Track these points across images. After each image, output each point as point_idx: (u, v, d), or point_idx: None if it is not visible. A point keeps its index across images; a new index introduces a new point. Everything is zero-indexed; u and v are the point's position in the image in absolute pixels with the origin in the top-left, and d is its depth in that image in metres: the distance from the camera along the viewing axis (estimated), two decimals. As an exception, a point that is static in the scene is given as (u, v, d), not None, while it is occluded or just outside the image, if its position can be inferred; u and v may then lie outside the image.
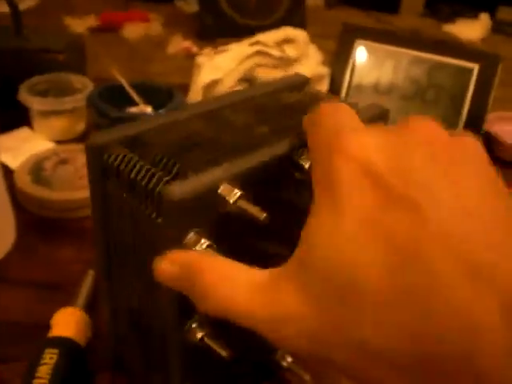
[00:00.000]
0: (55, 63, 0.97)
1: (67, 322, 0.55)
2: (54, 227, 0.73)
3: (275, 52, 0.89)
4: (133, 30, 2.51)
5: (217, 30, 2.50)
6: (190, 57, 2.31)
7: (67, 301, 0.59)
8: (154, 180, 0.36)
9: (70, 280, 0.65)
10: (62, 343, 0.52)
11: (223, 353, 0.38)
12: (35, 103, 0.90)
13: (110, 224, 0.42)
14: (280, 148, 0.39)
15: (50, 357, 0.50)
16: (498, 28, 2.79)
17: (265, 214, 0.33)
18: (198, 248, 0.34)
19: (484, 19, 2.77)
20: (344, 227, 0.25)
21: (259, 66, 0.89)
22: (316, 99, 0.48)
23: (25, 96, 0.90)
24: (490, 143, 0.97)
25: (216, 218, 0.36)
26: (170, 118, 0.43)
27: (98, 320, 0.58)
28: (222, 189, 0.35)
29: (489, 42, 2.64)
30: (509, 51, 2.43)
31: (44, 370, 0.49)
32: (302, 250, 0.26)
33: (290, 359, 0.48)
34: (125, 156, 0.38)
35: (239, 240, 0.38)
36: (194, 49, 2.34)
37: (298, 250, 0.27)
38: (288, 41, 0.92)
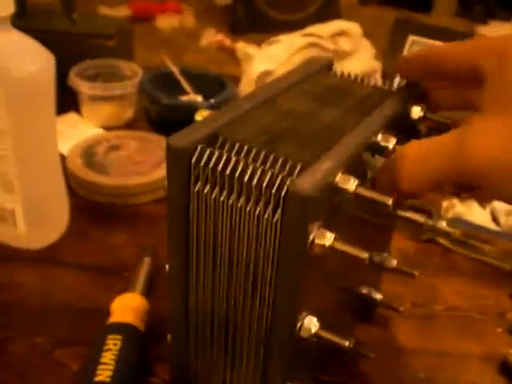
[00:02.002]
0: (104, 49, 0.97)
1: (128, 308, 0.55)
2: (106, 213, 0.73)
3: (329, 44, 0.88)
4: (166, 21, 2.51)
5: (249, 23, 2.49)
6: (223, 49, 2.32)
7: (123, 286, 0.59)
8: (267, 178, 0.35)
9: (122, 265, 0.65)
10: (125, 329, 0.52)
11: (345, 343, 0.39)
12: (84, 88, 0.90)
13: (194, 228, 0.40)
14: (366, 132, 0.40)
15: (113, 343, 0.50)
16: (533, 30, 2.76)
17: (391, 198, 0.34)
18: (326, 242, 0.34)
19: (518, 21, 2.74)
20: None
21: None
22: (354, 80, 0.50)
23: (75, 80, 0.89)
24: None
25: (331, 208, 0.36)
26: (235, 111, 0.41)
27: (156, 305, 0.58)
28: (339, 179, 0.35)
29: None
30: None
31: (108, 356, 0.49)
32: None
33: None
34: (219, 155, 0.37)
35: (347, 229, 0.37)
36: (227, 41, 2.34)
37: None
38: (341, 33, 0.91)
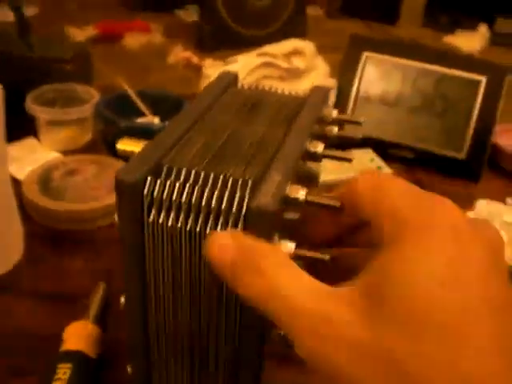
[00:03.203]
0: (62, 73, 0.97)
1: (79, 336, 0.55)
2: (63, 238, 0.73)
3: (283, 63, 0.89)
4: (134, 40, 2.51)
5: (216, 39, 2.50)
6: (190, 67, 2.32)
7: (78, 313, 0.59)
8: (225, 199, 0.36)
9: (80, 291, 0.64)
10: (75, 357, 0.52)
11: None
12: (42, 113, 0.89)
13: (151, 258, 0.41)
14: (298, 141, 0.41)
15: (63, 372, 0.50)
16: (496, 40, 2.81)
17: (339, 202, 0.35)
18: (289, 251, 0.35)
19: (483, 31, 2.78)
20: (437, 271, 0.26)
21: (267, 77, 0.89)
22: (263, 90, 0.52)
23: (31, 105, 0.89)
24: (496, 154, 0.97)
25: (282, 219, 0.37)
26: (171, 136, 0.42)
27: (112, 331, 0.58)
28: (290, 190, 0.36)
29: (488, 53, 2.65)
30: (507, 62, 2.44)
31: (58, 385, 0.49)
32: (377, 280, 0.27)
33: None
34: (171, 184, 0.37)
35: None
36: (194, 59, 2.34)
37: (370, 277, 0.28)
38: (296, 52, 0.92)
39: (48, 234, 0.73)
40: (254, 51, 0.93)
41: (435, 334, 0.25)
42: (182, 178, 0.37)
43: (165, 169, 0.38)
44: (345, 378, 0.26)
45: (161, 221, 0.37)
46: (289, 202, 0.36)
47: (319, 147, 0.43)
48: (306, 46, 0.93)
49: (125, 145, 0.43)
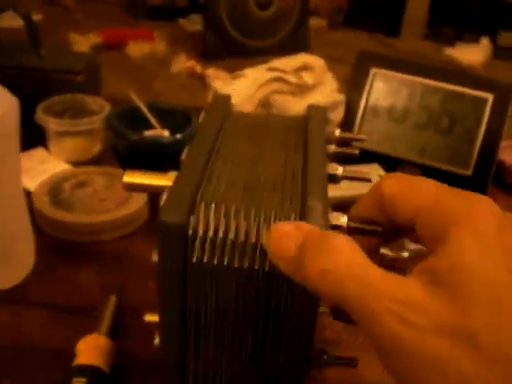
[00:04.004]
0: (72, 84, 0.98)
1: (93, 350, 0.55)
2: (73, 250, 0.73)
3: (293, 79, 0.90)
4: (138, 48, 2.52)
5: (220, 49, 2.51)
6: (194, 76, 2.33)
7: (88, 325, 0.59)
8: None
9: (90, 304, 0.65)
10: (89, 372, 0.52)
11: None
12: (52, 124, 0.90)
13: (193, 299, 0.40)
14: (321, 166, 0.42)
15: (78, 385, 0.50)
16: (498, 53, 2.82)
17: (381, 227, 0.36)
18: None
19: (485, 44, 2.79)
20: (500, 259, 0.28)
21: (276, 92, 0.89)
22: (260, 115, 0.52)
23: (41, 116, 0.90)
24: (501, 171, 0.98)
25: None
26: (196, 170, 0.42)
27: (123, 345, 0.59)
28: (333, 218, 0.37)
29: (490, 66, 2.66)
30: (510, 76, 2.46)
31: (73, 399, 0.49)
32: (447, 267, 0.28)
33: None
34: (216, 222, 0.37)
35: None
36: (198, 68, 2.35)
37: (439, 264, 0.29)
38: (305, 68, 0.93)
39: (58, 246, 0.74)
40: (262, 65, 0.93)
41: None
42: (221, 214, 0.38)
43: (202, 206, 0.38)
44: (433, 360, 0.27)
45: (205, 260, 0.37)
46: (333, 230, 0.36)
47: (339, 169, 0.44)
48: (316, 61, 0.93)
49: (131, 177, 0.43)
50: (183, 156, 0.45)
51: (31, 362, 0.58)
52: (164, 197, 0.40)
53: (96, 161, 0.93)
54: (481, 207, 0.30)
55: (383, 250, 0.38)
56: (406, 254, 0.39)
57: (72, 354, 0.55)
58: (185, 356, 0.43)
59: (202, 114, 0.51)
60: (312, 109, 0.52)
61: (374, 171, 0.90)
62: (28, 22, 0.95)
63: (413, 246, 0.44)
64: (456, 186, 0.33)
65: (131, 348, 0.60)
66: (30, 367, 0.58)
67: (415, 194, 0.33)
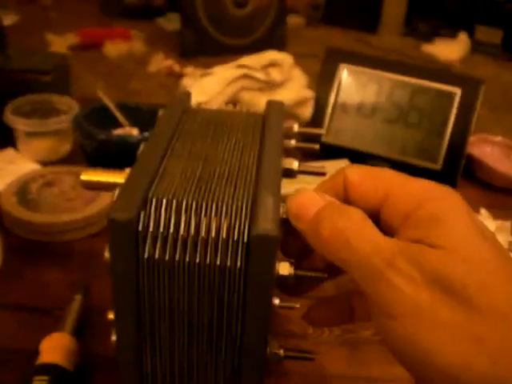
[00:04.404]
0: (40, 84, 0.97)
1: (56, 348, 0.55)
2: (40, 250, 0.73)
3: (261, 75, 0.90)
4: (114, 48, 2.51)
5: (198, 48, 2.51)
6: (172, 75, 2.32)
7: (54, 325, 0.59)
8: (225, 228, 0.36)
9: (57, 304, 0.65)
10: (52, 370, 0.52)
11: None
12: (20, 124, 0.90)
13: (145, 296, 0.40)
14: (275, 161, 0.42)
15: (39, 384, 0.50)
16: (476, 48, 2.84)
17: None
18: (288, 271, 0.38)
19: (463, 39, 2.81)
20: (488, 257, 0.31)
21: (245, 89, 0.90)
22: (220, 110, 0.54)
23: (10, 117, 0.90)
24: (471, 165, 0.99)
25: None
26: (149, 166, 0.42)
27: (88, 344, 0.59)
28: (283, 211, 0.37)
29: (468, 62, 2.67)
30: (487, 71, 2.47)
31: (34, 398, 0.49)
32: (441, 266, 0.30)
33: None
34: (166, 217, 0.37)
35: None
36: (176, 67, 2.35)
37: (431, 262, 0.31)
38: (273, 64, 0.93)
39: (25, 246, 0.74)
40: (231, 63, 0.93)
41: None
42: (173, 209, 0.38)
43: (153, 201, 0.38)
44: (424, 307, 0.30)
45: (157, 256, 0.37)
46: (284, 223, 0.37)
47: (294, 164, 0.44)
48: (284, 57, 0.94)
49: (89, 175, 0.43)
50: (138, 152, 0.45)
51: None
52: (116, 193, 0.40)
53: (66, 160, 0.92)
54: (450, 191, 0.33)
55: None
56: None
57: (37, 354, 0.55)
58: (141, 354, 0.43)
59: (161, 111, 0.51)
60: (270, 105, 0.52)
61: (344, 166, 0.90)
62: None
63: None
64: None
65: (97, 347, 0.60)
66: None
67: (379, 180, 0.36)
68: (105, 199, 0.76)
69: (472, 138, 0.96)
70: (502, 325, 0.28)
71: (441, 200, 0.32)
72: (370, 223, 0.33)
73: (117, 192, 0.40)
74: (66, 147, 0.94)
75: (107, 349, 0.58)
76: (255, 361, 0.41)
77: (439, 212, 0.31)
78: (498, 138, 1.07)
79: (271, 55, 0.93)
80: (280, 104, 0.53)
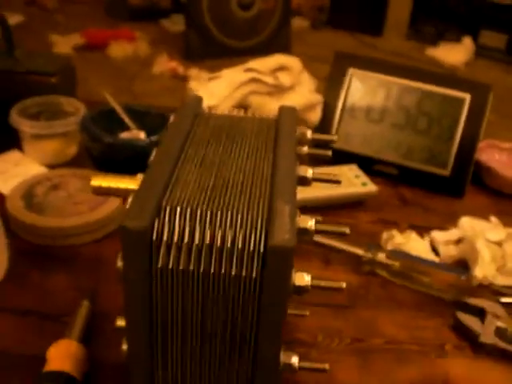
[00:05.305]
0: (47, 86, 0.96)
1: (64, 356, 0.54)
2: (46, 254, 0.72)
3: (269, 79, 0.89)
4: (119, 49, 2.51)
5: (202, 50, 2.51)
6: (176, 77, 2.32)
7: (60, 331, 0.58)
8: (240, 239, 0.36)
9: (63, 309, 0.64)
10: (60, 378, 0.52)
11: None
12: (26, 126, 0.89)
13: (158, 305, 0.40)
14: (290, 169, 0.42)
15: (47, 392, 0.50)
16: (481, 52, 2.83)
17: (347, 228, 0.37)
18: (306, 282, 0.37)
19: (467, 43, 2.81)
20: None
21: (253, 93, 0.89)
22: (231, 115, 0.52)
23: (16, 119, 0.89)
24: (479, 171, 0.98)
25: None
26: (162, 174, 0.41)
27: (94, 352, 0.58)
28: (300, 220, 0.36)
29: (472, 66, 2.67)
30: (491, 76, 2.47)
31: (42, 407, 0.48)
32: None
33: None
34: (180, 226, 0.37)
35: None
36: (180, 69, 2.35)
37: None
38: (282, 68, 0.92)
39: (31, 250, 0.73)
40: (239, 66, 0.93)
41: None
42: (187, 218, 0.37)
43: (167, 210, 0.37)
44: None
45: (171, 265, 0.37)
46: (301, 233, 0.36)
47: (309, 172, 0.43)
48: (293, 61, 0.93)
49: (99, 181, 0.42)
50: (151, 158, 0.44)
51: (1, 368, 0.57)
52: (129, 201, 0.39)
53: (72, 163, 0.92)
54: None
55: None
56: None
57: (43, 360, 0.54)
58: (152, 362, 0.42)
59: (172, 116, 0.51)
60: (283, 110, 0.52)
61: (352, 172, 0.89)
62: (2, 23, 0.94)
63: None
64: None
65: (104, 354, 0.59)
66: (0, 372, 0.57)
67: None
68: (113, 203, 0.76)
69: (480, 144, 0.96)
70: None
71: None
72: None
73: (130, 199, 0.39)
74: (72, 150, 0.94)
75: (115, 355, 0.58)
76: (269, 372, 0.40)
77: None
78: (506, 144, 1.06)
79: (280, 59, 0.93)
80: (293, 109, 0.52)
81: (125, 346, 0.43)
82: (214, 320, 0.39)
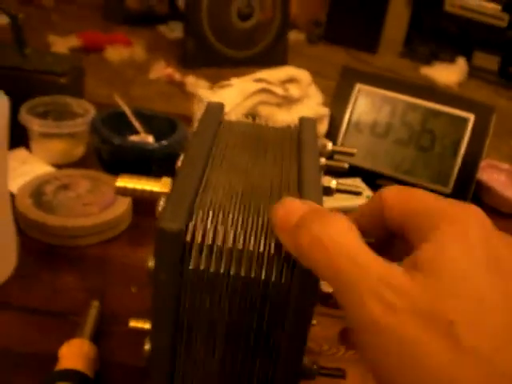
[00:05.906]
0: (55, 86, 0.97)
1: (76, 354, 0.54)
2: (55, 254, 0.73)
3: (279, 90, 0.90)
4: (115, 53, 2.51)
5: (200, 58, 2.52)
6: (172, 83, 2.33)
7: (70, 330, 0.58)
8: (272, 244, 0.36)
9: (72, 309, 0.64)
10: (73, 376, 0.52)
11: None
12: (35, 125, 0.89)
13: (186, 306, 0.39)
14: (315, 179, 0.42)
15: (61, 390, 0.50)
16: (474, 73, 2.87)
17: (372, 239, 0.36)
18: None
19: (461, 64, 2.84)
20: (481, 260, 0.29)
21: (263, 103, 0.90)
22: (254, 123, 0.53)
23: (25, 116, 0.89)
24: (478, 190, 1.00)
25: None
26: (192, 177, 0.42)
27: (105, 351, 0.58)
28: None
29: (465, 86, 2.70)
30: (484, 97, 2.50)
31: (56, 404, 0.49)
32: (430, 257, 0.29)
33: None
34: (214, 229, 0.37)
35: None
36: (177, 75, 2.36)
37: (424, 255, 0.29)
38: (291, 80, 0.93)
39: (40, 249, 0.73)
40: (247, 76, 0.94)
41: (490, 313, 0.27)
42: (219, 222, 0.38)
43: (200, 213, 0.38)
44: (407, 342, 0.27)
45: (202, 267, 0.37)
46: None
47: (332, 182, 0.44)
48: (302, 74, 0.94)
49: (124, 182, 0.43)
50: (179, 163, 0.45)
51: (9, 366, 0.57)
52: (161, 203, 0.40)
53: (78, 164, 0.92)
54: (471, 214, 0.31)
55: None
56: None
57: (51, 359, 0.55)
58: (174, 363, 0.43)
59: (196, 122, 0.51)
60: (304, 121, 0.53)
61: (356, 185, 0.90)
62: (13, 20, 0.94)
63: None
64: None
65: (113, 353, 0.59)
66: (8, 371, 0.57)
67: (412, 200, 0.34)
68: (121, 206, 0.76)
69: (482, 164, 0.97)
70: (483, 369, 0.26)
71: (455, 224, 0.30)
72: (354, 236, 0.31)
73: (162, 201, 0.40)
74: (79, 151, 0.94)
75: (124, 356, 0.58)
76: (291, 375, 0.41)
77: (446, 239, 0.30)
78: (505, 165, 1.08)
79: (290, 71, 0.94)
80: (313, 121, 0.53)
81: (147, 346, 0.43)
82: (239, 322, 0.39)
